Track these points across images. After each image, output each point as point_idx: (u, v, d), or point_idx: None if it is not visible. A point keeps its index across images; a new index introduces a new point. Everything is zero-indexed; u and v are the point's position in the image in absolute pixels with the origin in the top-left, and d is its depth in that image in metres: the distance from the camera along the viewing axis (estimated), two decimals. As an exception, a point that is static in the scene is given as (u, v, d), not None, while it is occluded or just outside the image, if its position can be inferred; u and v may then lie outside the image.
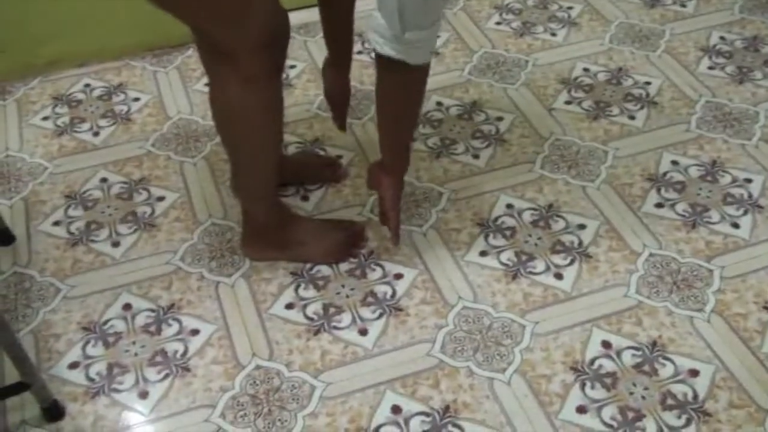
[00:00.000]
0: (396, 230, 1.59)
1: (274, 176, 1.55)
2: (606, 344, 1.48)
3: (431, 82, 2.04)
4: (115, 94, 2.06)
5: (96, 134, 1.95)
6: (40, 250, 1.68)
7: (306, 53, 2.16)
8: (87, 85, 2.09)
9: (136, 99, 2.04)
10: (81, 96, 2.06)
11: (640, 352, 1.47)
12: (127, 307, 1.57)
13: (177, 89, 2.07)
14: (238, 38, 1.27)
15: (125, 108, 2.02)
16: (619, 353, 1.47)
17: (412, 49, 1.30)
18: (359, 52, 2.15)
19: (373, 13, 1.29)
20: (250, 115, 1.38)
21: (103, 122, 1.98)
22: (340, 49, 1.67)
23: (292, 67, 2.11)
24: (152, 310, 1.56)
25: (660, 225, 1.69)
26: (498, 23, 2.26)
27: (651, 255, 1.63)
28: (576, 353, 1.47)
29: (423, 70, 1.40)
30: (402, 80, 1.38)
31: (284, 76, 2.07)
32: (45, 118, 1.99)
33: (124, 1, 2.05)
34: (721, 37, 2.18)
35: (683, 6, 2.30)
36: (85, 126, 1.97)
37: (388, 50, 1.30)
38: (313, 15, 2.25)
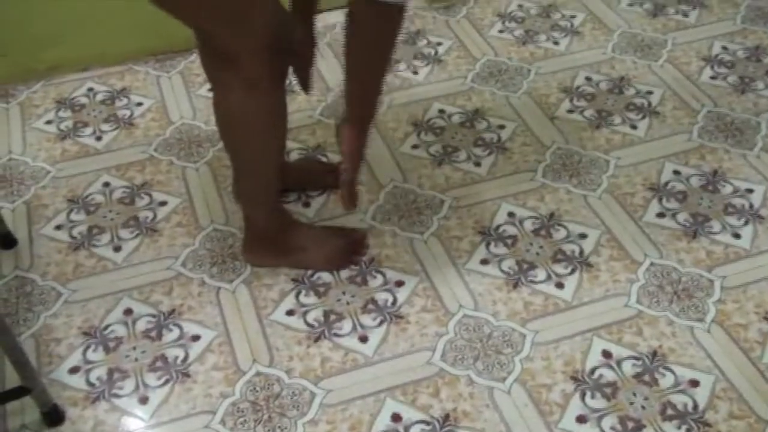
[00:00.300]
0: (350, 192, 1.51)
1: (276, 182, 1.56)
2: (606, 354, 1.48)
3: (433, 89, 2.07)
4: (118, 98, 2.06)
5: (99, 138, 1.95)
6: (42, 254, 1.68)
7: (309, 59, 2.16)
8: (90, 90, 2.09)
9: (139, 104, 2.05)
10: (84, 100, 2.06)
11: (640, 362, 1.47)
12: (128, 312, 1.57)
13: (180, 94, 2.07)
14: (240, 40, 1.26)
15: (128, 112, 2.02)
16: (619, 363, 1.47)
17: None
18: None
19: None
20: (252, 120, 1.39)
21: (105, 126, 1.98)
22: None
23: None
24: (153, 316, 1.56)
25: (661, 235, 1.69)
26: (501, 31, 2.26)
27: (652, 264, 1.63)
28: (576, 363, 1.47)
29: (396, 12, 1.30)
30: (373, 21, 1.29)
31: (287, 82, 2.08)
32: (48, 122, 2.00)
33: (126, 5, 2.05)
34: (723, 47, 2.18)
35: (685, 16, 2.30)
36: (88, 130, 1.97)
37: None
38: (318, 24, 2.27)
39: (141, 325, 1.55)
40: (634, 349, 1.49)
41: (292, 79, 2.08)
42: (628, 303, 1.56)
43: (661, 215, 1.73)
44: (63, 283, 1.62)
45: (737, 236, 1.68)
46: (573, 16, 2.31)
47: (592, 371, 1.46)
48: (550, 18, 2.31)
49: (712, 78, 2.08)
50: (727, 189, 1.78)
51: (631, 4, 2.35)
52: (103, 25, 2.09)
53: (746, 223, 1.71)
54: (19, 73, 2.09)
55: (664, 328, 1.52)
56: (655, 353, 1.48)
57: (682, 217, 1.73)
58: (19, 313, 1.57)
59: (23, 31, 2.03)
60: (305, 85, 1.68)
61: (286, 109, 1.44)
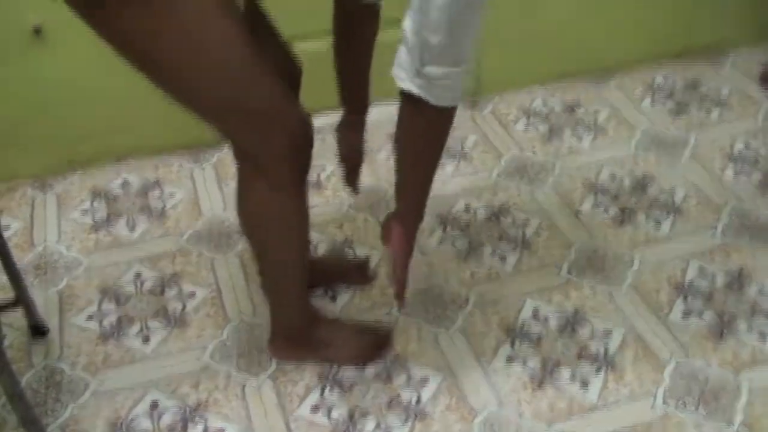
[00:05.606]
0: (401, 291, 1.53)
1: (303, 280, 1.57)
2: (633, 457, 1.47)
3: (459, 183, 2.10)
4: (152, 190, 2.12)
5: (132, 229, 2.00)
6: (72, 344, 1.71)
7: (337, 153, 2.21)
8: (125, 181, 2.15)
9: (172, 195, 2.10)
10: (118, 191, 2.12)
11: (667, 466, 1.45)
12: (155, 404, 1.58)
13: (211, 187, 2.12)
14: (264, 145, 1.30)
15: (161, 204, 2.07)
16: (646, 467, 1.45)
17: (433, 87, 1.23)
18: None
19: (398, 46, 1.24)
20: (275, 222, 1.41)
21: (139, 217, 2.03)
22: (355, 102, 1.63)
23: (323, 168, 2.16)
24: (179, 408, 1.57)
25: (687, 334, 1.69)
26: (526, 127, 2.31)
27: (678, 365, 1.62)
28: (602, 465, 1.46)
29: (446, 115, 1.31)
30: (423, 121, 1.31)
31: (315, 176, 2.13)
32: (83, 212, 2.05)
33: (162, 100, 2.12)
34: (746, 145, 2.21)
35: (708, 113, 2.34)
36: (122, 221, 2.02)
37: (408, 85, 1.23)
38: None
39: (167, 419, 1.55)
40: (660, 452, 1.47)
41: (319, 174, 2.14)
42: (654, 404, 1.55)
43: (686, 314, 1.73)
44: (92, 373, 1.64)
45: (763, 337, 1.67)
46: (597, 112, 2.36)
47: (619, 475, 1.44)
48: (574, 114, 2.36)
49: (736, 175, 2.10)
50: (753, 289, 1.78)
51: (653, 103, 2.39)
52: (139, 119, 2.16)
53: (773, 323, 1.71)
54: (58, 164, 2.16)
55: (691, 431, 1.50)
56: (682, 457, 1.46)
57: (708, 316, 1.72)
58: (47, 403, 1.59)
59: (66, 125, 2.10)
60: (354, 188, 1.77)
61: (308, 210, 1.45)
